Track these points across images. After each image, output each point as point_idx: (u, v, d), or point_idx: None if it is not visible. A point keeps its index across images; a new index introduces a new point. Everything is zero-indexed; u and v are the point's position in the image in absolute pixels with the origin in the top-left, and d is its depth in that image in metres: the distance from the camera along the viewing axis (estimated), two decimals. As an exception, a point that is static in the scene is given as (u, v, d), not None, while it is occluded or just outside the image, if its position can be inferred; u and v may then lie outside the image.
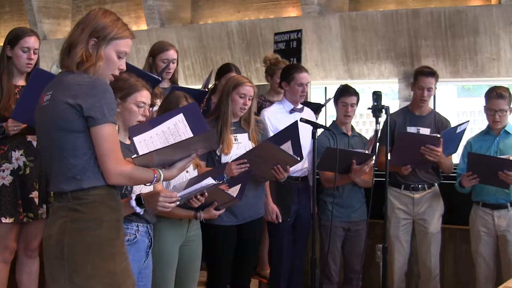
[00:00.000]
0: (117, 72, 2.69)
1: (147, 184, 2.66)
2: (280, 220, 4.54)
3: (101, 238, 2.53)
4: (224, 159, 4.10)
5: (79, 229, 2.52)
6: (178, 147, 2.62)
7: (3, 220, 3.88)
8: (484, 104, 4.64)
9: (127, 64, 4.08)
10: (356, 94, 4.86)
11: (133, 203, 2.94)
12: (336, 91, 4.92)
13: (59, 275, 2.55)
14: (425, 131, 4.82)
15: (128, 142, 3.27)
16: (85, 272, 2.51)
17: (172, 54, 4.62)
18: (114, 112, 2.57)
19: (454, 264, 5.33)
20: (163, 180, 2.64)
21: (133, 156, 2.68)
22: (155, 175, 2.59)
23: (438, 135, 4.59)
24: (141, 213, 3.01)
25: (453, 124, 4.94)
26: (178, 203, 3.11)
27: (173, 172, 2.67)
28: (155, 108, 4.30)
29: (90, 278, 2.51)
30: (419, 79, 4.81)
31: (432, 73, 4.85)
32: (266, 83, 5.55)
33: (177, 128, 2.89)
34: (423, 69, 4.96)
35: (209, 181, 3.31)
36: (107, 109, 2.52)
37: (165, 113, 3.28)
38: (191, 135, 2.86)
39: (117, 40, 2.63)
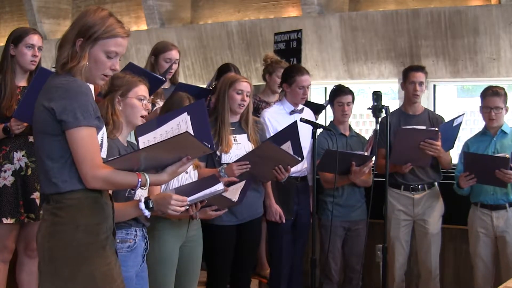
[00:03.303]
0: (110, 73, 2.60)
1: (135, 189, 2.58)
2: (284, 220, 4.55)
3: (77, 242, 2.50)
4: (224, 159, 4.10)
5: (58, 234, 2.51)
6: (160, 150, 2.49)
7: (4, 220, 3.89)
8: (480, 104, 4.66)
9: (132, 65, 4.10)
10: (350, 92, 4.90)
11: (142, 205, 2.86)
12: (331, 92, 4.97)
13: (44, 277, 2.56)
14: None
15: (125, 143, 3.26)
16: (63, 276, 2.50)
17: (175, 54, 4.64)
18: (92, 114, 2.48)
19: (454, 264, 5.34)
20: (151, 185, 2.57)
21: (109, 159, 2.57)
22: (140, 179, 2.51)
23: (436, 129, 4.62)
24: (149, 216, 2.97)
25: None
26: (188, 207, 3.10)
27: (163, 177, 2.58)
28: (156, 107, 4.30)
29: (68, 282, 2.50)
30: (409, 75, 4.87)
31: (422, 68, 4.95)
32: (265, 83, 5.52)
33: (179, 129, 2.87)
34: (412, 66, 5.08)
35: (220, 187, 3.29)
36: (80, 112, 2.44)
37: (170, 111, 3.27)
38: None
39: (105, 39, 2.53)
